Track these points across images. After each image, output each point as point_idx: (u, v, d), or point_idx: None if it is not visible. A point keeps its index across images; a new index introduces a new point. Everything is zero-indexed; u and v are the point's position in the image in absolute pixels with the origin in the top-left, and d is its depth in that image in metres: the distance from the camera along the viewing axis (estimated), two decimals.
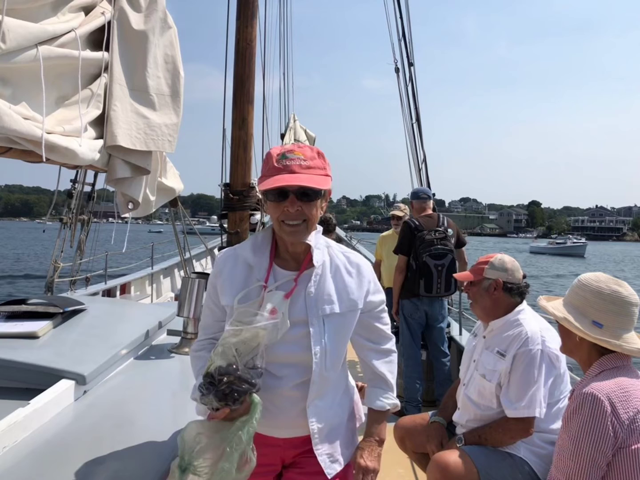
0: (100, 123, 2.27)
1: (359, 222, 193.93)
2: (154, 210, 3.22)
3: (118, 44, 2.36)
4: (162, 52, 2.58)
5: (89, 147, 2.07)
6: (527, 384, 2.37)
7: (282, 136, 10.18)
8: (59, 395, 1.63)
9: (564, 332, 1.97)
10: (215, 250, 5.45)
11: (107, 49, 2.31)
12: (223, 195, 5.01)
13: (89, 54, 2.15)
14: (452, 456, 2.39)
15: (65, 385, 1.68)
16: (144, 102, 2.47)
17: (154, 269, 9.66)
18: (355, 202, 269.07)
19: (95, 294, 6.83)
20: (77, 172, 4.88)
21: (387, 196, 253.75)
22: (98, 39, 2.30)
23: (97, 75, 2.26)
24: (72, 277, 5.91)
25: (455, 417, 2.69)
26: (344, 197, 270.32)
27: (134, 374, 2.04)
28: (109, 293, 7.93)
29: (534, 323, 2.50)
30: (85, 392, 1.77)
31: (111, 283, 8.41)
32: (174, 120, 2.62)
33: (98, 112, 2.21)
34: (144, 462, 1.38)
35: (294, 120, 10.16)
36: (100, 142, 2.22)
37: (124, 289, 8.77)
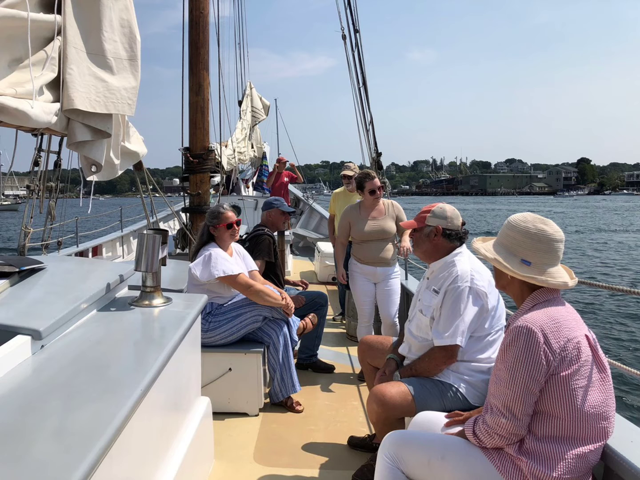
0: (57, 86, 2.10)
1: (407, 187, 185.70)
2: (119, 173, 3.07)
3: (72, 7, 2.17)
4: (117, 16, 2.41)
5: (42, 110, 1.91)
6: (453, 317, 2.43)
7: (240, 103, 9.91)
8: (13, 351, 1.52)
9: (497, 271, 1.99)
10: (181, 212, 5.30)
11: (59, 12, 2.12)
12: (184, 159, 4.87)
13: (39, 16, 1.97)
14: (388, 387, 2.44)
15: (20, 341, 1.57)
16: (101, 65, 2.31)
17: (123, 232, 9.40)
18: (403, 168, 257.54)
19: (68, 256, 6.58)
20: (40, 138, 4.59)
21: (434, 160, 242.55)
22: (50, 1, 2.11)
23: (51, 39, 2.08)
24: (44, 242, 5.66)
25: (400, 350, 2.75)
26: (392, 163, 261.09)
27: (95, 326, 1.93)
28: (81, 255, 7.67)
29: (466, 263, 2.54)
30: (42, 346, 1.66)
31: (83, 246, 8.15)
32: (132, 84, 2.46)
33: (53, 75, 2.04)
34: (105, 407, 1.32)
35: (250, 88, 9.88)
36: (57, 105, 2.05)
37: (96, 251, 8.52)
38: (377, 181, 4.09)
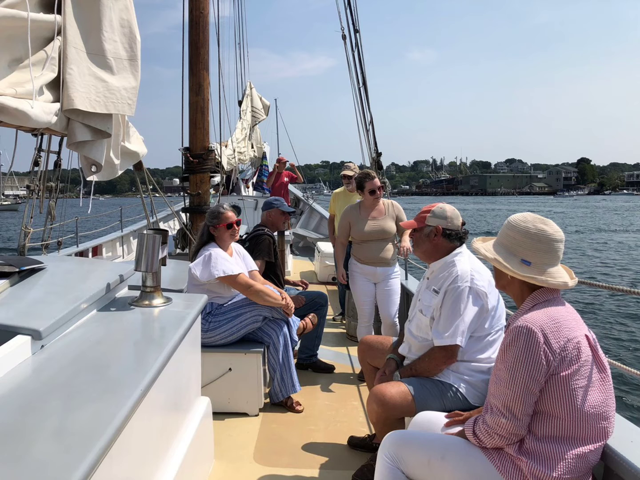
0: (57, 86, 2.10)
1: (407, 187, 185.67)
2: (119, 173, 3.07)
3: (72, 7, 2.17)
4: (117, 16, 2.41)
5: (42, 110, 1.91)
6: (453, 317, 2.42)
7: (240, 103, 9.92)
8: (13, 351, 1.51)
9: (497, 271, 1.99)
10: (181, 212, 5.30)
11: (59, 12, 2.12)
12: (184, 159, 4.88)
13: (39, 16, 1.96)
14: (388, 387, 2.44)
15: (20, 341, 1.56)
16: (101, 65, 2.31)
17: (123, 232, 9.40)
18: (403, 168, 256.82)
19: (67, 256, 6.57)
20: (40, 138, 4.60)
21: (434, 160, 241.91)
22: (50, 1, 2.11)
23: (51, 39, 2.08)
24: (44, 242, 5.66)
25: (400, 350, 2.75)
26: (392, 163, 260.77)
27: (95, 326, 1.92)
28: (81, 255, 7.67)
29: (466, 263, 2.54)
30: (42, 346, 1.66)
31: (83, 246, 8.15)
32: (132, 84, 2.46)
33: (53, 75, 2.04)
34: (105, 407, 1.32)
35: (250, 88, 9.89)
36: (57, 105, 2.05)
37: (96, 251, 8.52)
38: (377, 181, 4.09)
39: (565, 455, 1.70)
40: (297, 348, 4.30)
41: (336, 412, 3.56)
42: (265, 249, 4.20)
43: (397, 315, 4.18)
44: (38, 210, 4.49)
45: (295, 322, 3.76)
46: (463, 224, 2.69)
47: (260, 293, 3.44)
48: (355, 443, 3.05)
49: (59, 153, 4.70)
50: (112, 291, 2.29)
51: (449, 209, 2.66)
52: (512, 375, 1.74)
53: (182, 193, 5.27)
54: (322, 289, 7.12)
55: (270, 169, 10.81)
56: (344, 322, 5.68)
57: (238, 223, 3.64)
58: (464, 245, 2.66)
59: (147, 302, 2.24)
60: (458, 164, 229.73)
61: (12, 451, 1.11)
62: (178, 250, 5.23)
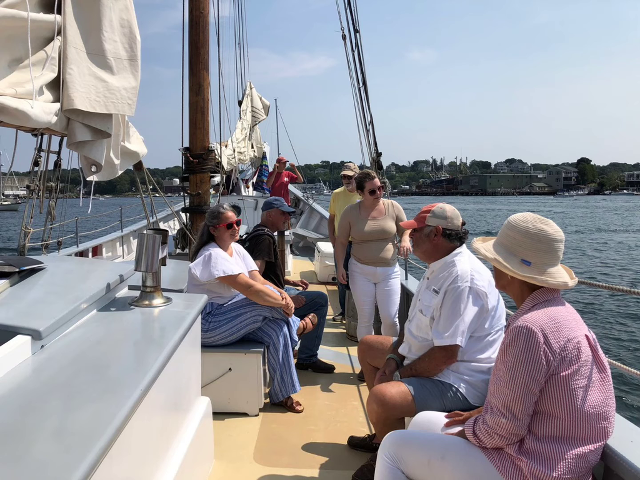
0: (57, 86, 2.10)
1: (407, 187, 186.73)
2: (119, 173, 3.07)
3: (72, 7, 2.17)
4: (117, 16, 2.41)
5: (42, 110, 1.90)
6: (453, 317, 2.42)
7: (240, 103, 9.93)
8: (13, 351, 1.51)
9: (497, 271, 1.99)
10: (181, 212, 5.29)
11: (59, 12, 2.12)
12: (184, 159, 4.88)
13: (39, 16, 1.96)
14: (388, 387, 2.44)
15: (20, 341, 1.56)
16: (101, 65, 2.31)
17: (123, 232, 9.40)
18: (403, 168, 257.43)
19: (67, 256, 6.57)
20: (40, 138, 4.60)
21: (434, 160, 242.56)
22: (50, 1, 2.11)
23: (51, 39, 2.08)
24: (44, 242, 5.66)
25: (400, 350, 2.75)
26: (392, 163, 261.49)
27: (95, 326, 1.92)
28: (81, 255, 7.67)
29: (466, 263, 2.54)
30: (42, 346, 1.66)
31: (83, 246, 8.15)
32: (132, 84, 2.46)
33: (53, 75, 2.04)
34: (105, 407, 1.32)
35: (250, 88, 9.90)
36: (57, 105, 2.05)
37: (96, 251, 8.52)
38: (377, 181, 4.09)
39: (565, 455, 1.70)
40: (297, 348, 4.30)
41: (336, 412, 3.56)
42: (265, 249, 4.20)
43: (397, 315, 4.18)
44: (38, 210, 4.48)
45: (295, 322, 3.76)
46: (463, 224, 2.69)
47: (260, 293, 3.44)
48: (355, 443, 3.05)
49: (59, 153, 4.70)
50: (112, 291, 2.29)
51: (449, 209, 2.66)
52: (512, 375, 1.74)
53: (182, 193, 5.27)
54: (322, 289, 7.12)
55: (270, 169, 10.81)
56: (344, 322, 5.68)
57: (238, 223, 3.64)
58: (464, 245, 2.66)
59: (147, 302, 2.24)
60: (458, 164, 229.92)
61: (12, 451, 1.11)
62: (178, 250, 5.23)
